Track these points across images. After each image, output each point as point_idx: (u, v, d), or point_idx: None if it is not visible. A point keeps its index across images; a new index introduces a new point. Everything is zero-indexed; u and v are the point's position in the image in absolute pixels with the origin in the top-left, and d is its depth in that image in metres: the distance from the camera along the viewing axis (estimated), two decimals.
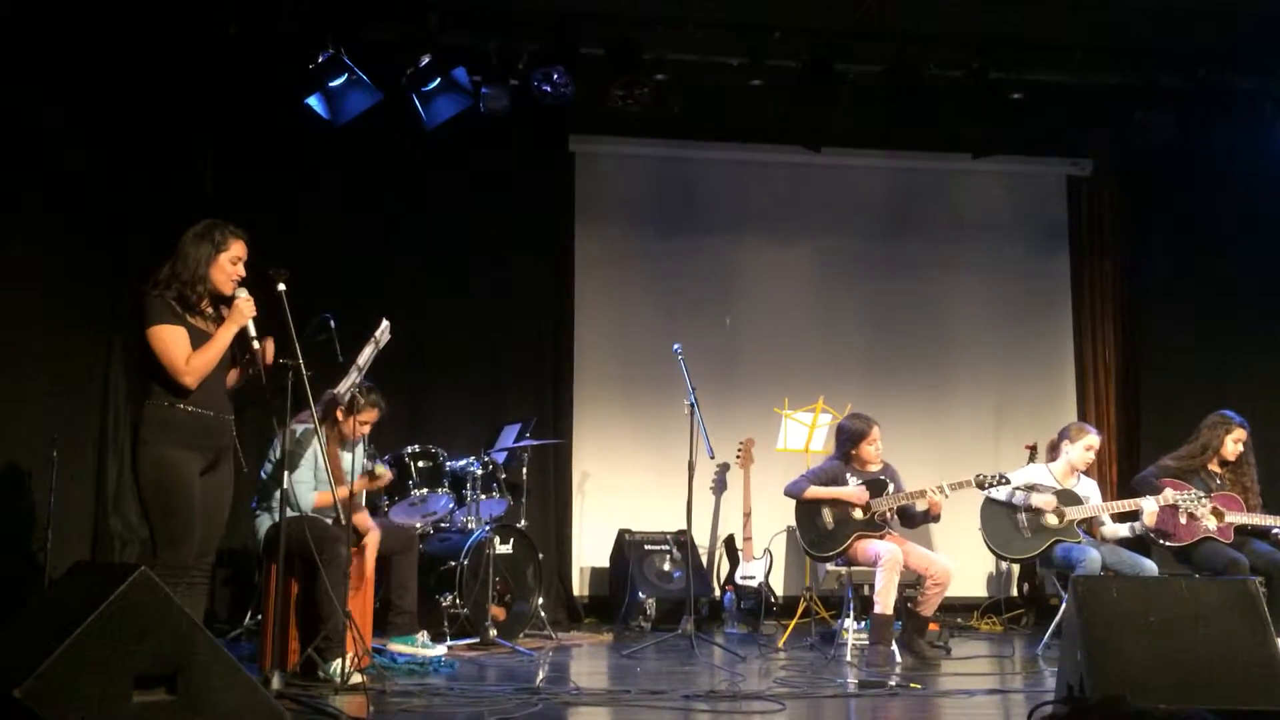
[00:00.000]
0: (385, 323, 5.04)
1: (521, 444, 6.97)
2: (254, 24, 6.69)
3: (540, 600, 6.64)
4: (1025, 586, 7.84)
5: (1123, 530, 6.24)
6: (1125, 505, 6.17)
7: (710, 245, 8.32)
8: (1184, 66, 7.27)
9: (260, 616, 5.55)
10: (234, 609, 6.61)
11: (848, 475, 6.19)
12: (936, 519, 6.09)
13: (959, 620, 7.61)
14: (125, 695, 3.20)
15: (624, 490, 7.94)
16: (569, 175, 8.14)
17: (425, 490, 6.30)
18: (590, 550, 7.91)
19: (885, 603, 5.80)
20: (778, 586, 7.64)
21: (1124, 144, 8.08)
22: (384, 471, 5.65)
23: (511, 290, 7.83)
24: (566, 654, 6.20)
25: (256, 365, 4.38)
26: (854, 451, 6.21)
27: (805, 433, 7.41)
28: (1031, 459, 7.46)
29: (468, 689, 4.81)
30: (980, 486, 5.94)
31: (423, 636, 5.60)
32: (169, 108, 6.84)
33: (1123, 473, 8.15)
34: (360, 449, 5.51)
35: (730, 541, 7.61)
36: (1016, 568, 7.85)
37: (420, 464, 6.30)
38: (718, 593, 7.62)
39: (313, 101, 6.71)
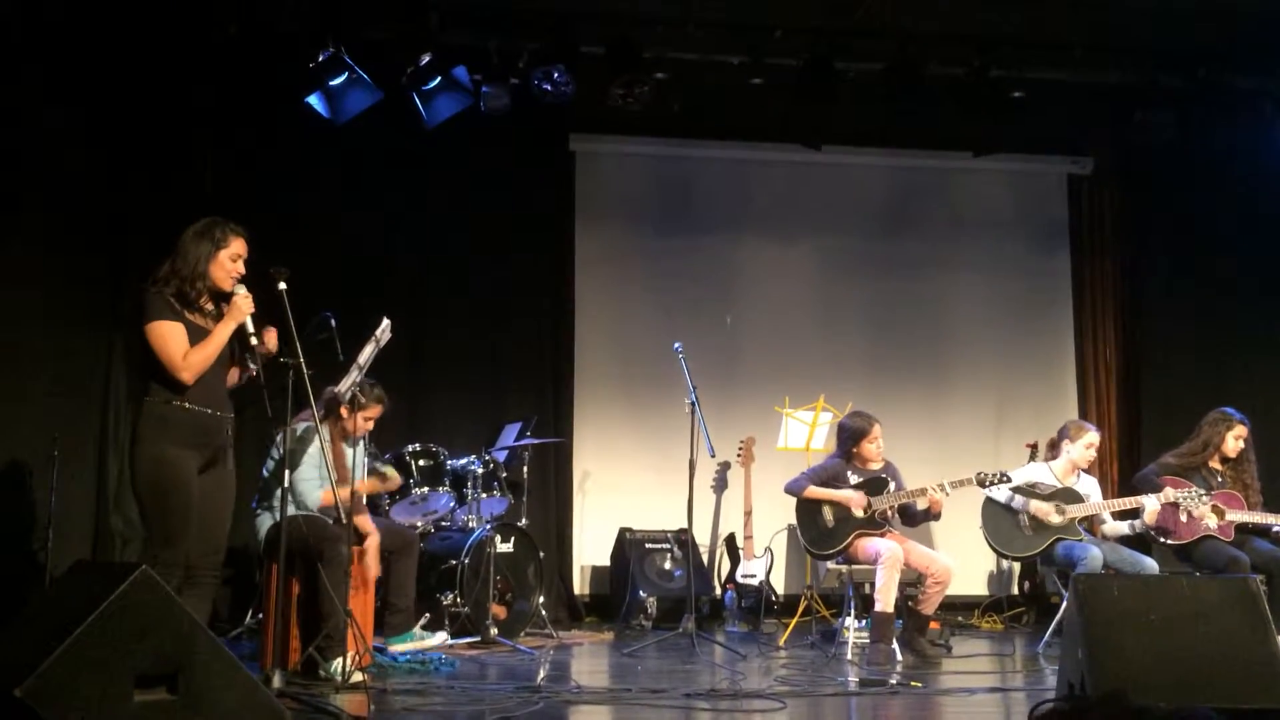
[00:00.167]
0: (386, 321, 5.05)
1: (522, 443, 6.97)
2: (254, 24, 6.69)
3: (541, 599, 6.64)
4: (1026, 585, 7.84)
5: (1123, 528, 6.24)
6: (1127, 503, 6.17)
7: (711, 244, 8.33)
8: (1184, 66, 7.27)
9: (261, 615, 5.56)
10: (235, 608, 6.61)
11: (849, 473, 6.19)
12: (937, 517, 6.09)
13: (960, 618, 7.62)
14: (126, 694, 3.20)
15: (625, 489, 7.94)
16: (569, 174, 8.14)
17: (426, 489, 6.32)
18: (591, 549, 7.92)
19: (886, 601, 5.80)
20: (778, 585, 7.64)
21: (1124, 143, 8.07)
22: (394, 474, 5.66)
23: (512, 289, 7.83)
24: (567, 652, 6.20)
25: (257, 359, 4.38)
26: (855, 450, 6.22)
27: (806, 431, 7.41)
28: (1032, 457, 7.46)
29: (469, 687, 4.81)
30: (981, 485, 5.94)
31: (418, 628, 5.61)
32: (169, 108, 6.84)
33: (1124, 471, 8.16)
34: (361, 447, 5.51)
35: (731, 540, 7.62)
36: (1017, 566, 7.85)
37: (421, 463, 6.32)
38: (718, 591, 7.62)
39: (313, 100, 6.71)
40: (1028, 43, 7.15)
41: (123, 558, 6.42)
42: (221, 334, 4.28)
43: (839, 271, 8.48)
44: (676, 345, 6.40)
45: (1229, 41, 7.06)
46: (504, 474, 6.74)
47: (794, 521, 6.34)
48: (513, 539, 6.52)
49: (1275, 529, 6.09)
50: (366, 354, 5.02)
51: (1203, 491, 5.99)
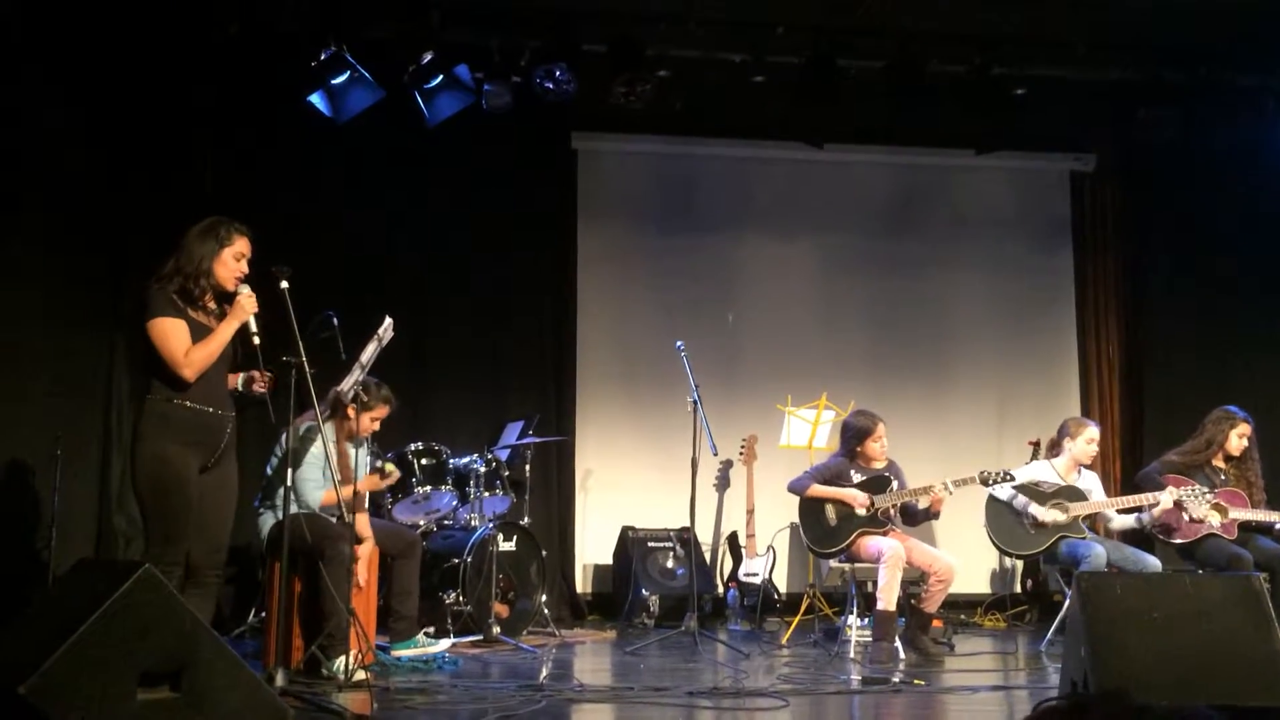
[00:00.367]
0: (388, 320, 5.05)
1: (524, 441, 6.97)
2: (254, 24, 6.68)
3: (544, 597, 6.64)
4: (1029, 583, 7.83)
5: (1129, 521, 6.23)
6: (1134, 500, 6.15)
7: (712, 242, 8.32)
8: (1186, 63, 7.26)
9: (264, 614, 5.55)
10: (237, 606, 6.61)
11: (852, 472, 6.19)
12: (936, 516, 6.09)
13: (962, 617, 7.60)
14: (129, 693, 3.20)
15: (627, 487, 7.94)
16: (571, 172, 8.14)
17: (428, 488, 6.32)
18: (593, 547, 7.92)
19: (888, 599, 5.80)
20: (781, 583, 7.63)
21: (1126, 141, 8.06)
22: (393, 469, 5.66)
23: (513, 287, 7.83)
24: (570, 651, 6.20)
25: (259, 361, 4.37)
26: (859, 448, 6.21)
27: (808, 429, 7.41)
28: (1035, 455, 7.45)
29: (471, 686, 4.81)
30: (984, 483, 5.93)
31: (423, 636, 5.59)
32: (169, 108, 6.83)
33: (1126, 469, 8.16)
34: (364, 447, 5.51)
35: (733, 538, 7.62)
36: (1020, 564, 7.85)
37: (423, 461, 6.32)
38: (721, 589, 7.62)
39: (315, 99, 6.71)
40: (1029, 40, 7.14)
41: (126, 557, 6.43)
42: (224, 333, 4.29)
43: (841, 269, 8.48)
44: (678, 343, 6.39)
45: (1231, 39, 7.05)
46: (506, 472, 6.74)
47: (796, 520, 6.33)
48: (515, 537, 6.53)
49: (1278, 527, 6.09)
50: (369, 353, 5.02)
51: (1206, 489, 5.99)
